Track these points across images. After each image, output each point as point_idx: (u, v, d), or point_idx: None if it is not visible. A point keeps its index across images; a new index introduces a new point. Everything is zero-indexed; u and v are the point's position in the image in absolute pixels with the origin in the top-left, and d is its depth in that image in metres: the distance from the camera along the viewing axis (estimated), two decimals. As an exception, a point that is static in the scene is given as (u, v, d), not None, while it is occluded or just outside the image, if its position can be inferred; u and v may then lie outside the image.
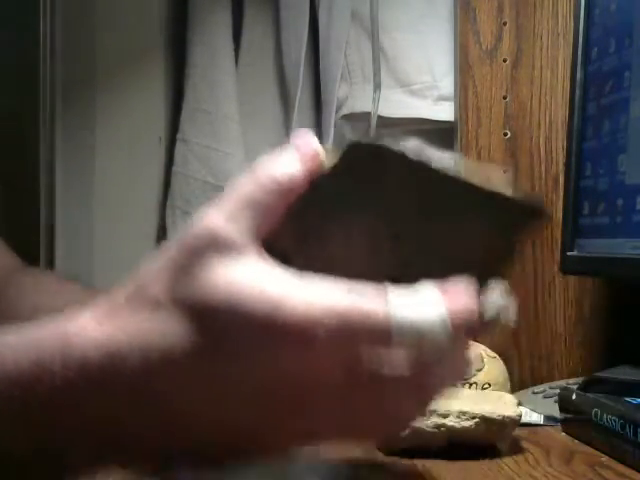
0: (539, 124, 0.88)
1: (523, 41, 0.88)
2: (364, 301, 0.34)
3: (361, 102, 0.94)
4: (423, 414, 0.37)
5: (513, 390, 0.75)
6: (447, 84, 0.92)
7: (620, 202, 0.69)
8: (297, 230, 0.36)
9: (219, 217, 0.35)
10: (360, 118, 0.94)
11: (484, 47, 0.89)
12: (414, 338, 0.34)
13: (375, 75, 0.92)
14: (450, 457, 0.55)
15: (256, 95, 0.99)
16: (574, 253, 0.76)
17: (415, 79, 0.92)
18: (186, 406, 0.34)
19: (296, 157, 0.36)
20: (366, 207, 0.36)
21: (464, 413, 0.54)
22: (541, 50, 0.88)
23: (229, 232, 0.35)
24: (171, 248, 0.35)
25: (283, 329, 0.33)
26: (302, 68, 0.95)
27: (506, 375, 0.72)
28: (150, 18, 0.98)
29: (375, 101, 0.91)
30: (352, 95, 0.95)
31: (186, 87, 0.97)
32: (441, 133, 0.93)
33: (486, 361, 0.69)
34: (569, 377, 0.84)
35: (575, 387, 0.63)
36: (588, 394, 0.61)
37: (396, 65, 0.93)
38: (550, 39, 0.88)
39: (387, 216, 0.36)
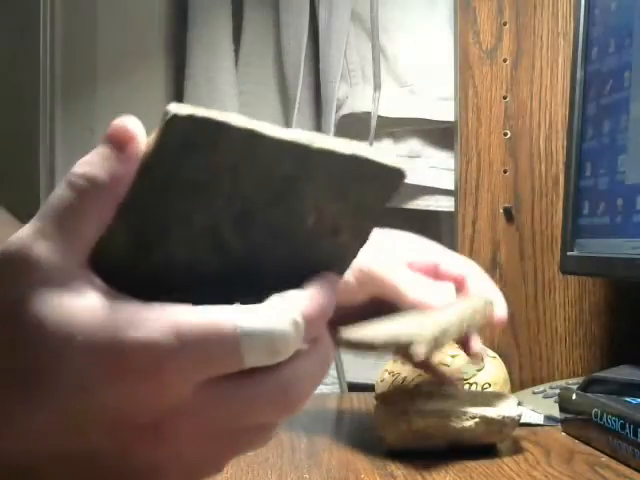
0: (539, 124, 0.88)
1: (523, 41, 0.88)
2: (208, 317, 0.31)
3: (361, 102, 0.94)
4: (291, 415, 0.33)
5: (513, 390, 0.75)
6: (447, 84, 0.92)
7: (620, 202, 0.69)
8: (134, 228, 0.32)
9: (30, 237, 0.31)
10: (360, 118, 0.94)
11: (484, 47, 0.89)
12: (265, 348, 0.32)
13: (375, 75, 0.92)
14: (450, 457, 0.55)
15: (256, 95, 0.99)
16: (574, 253, 0.76)
17: (415, 79, 0.93)
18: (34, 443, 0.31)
19: (108, 149, 0.31)
20: (202, 190, 0.31)
21: (464, 413, 0.54)
22: (541, 50, 0.88)
23: (42, 254, 0.30)
24: None
25: (125, 358, 0.30)
26: (302, 68, 0.95)
27: (506, 375, 0.72)
28: (150, 18, 0.98)
29: (375, 101, 0.91)
30: (352, 95, 0.95)
31: (186, 87, 0.97)
32: (441, 133, 0.93)
33: (486, 361, 0.69)
34: (569, 377, 0.84)
35: (575, 387, 0.63)
36: (588, 394, 0.61)
37: (396, 65, 0.93)
38: (550, 39, 0.88)
39: (228, 199, 0.32)
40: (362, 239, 0.35)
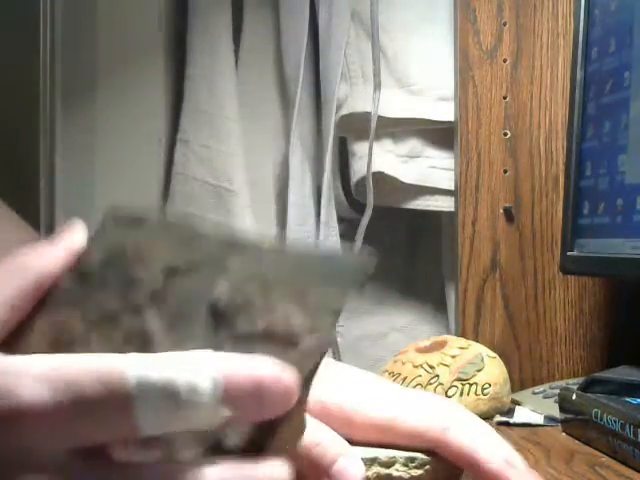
0: (539, 124, 0.88)
1: (523, 41, 0.88)
2: (97, 363, 0.28)
3: (361, 102, 0.94)
4: None
5: (513, 390, 0.75)
6: (447, 84, 0.91)
7: (620, 202, 0.69)
8: (50, 325, 0.31)
9: None
10: (360, 118, 0.93)
11: (484, 47, 0.89)
12: (165, 404, 0.27)
13: (375, 75, 0.92)
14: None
15: (256, 95, 0.99)
16: (574, 253, 0.76)
17: (415, 79, 0.92)
18: None
19: (52, 246, 0.32)
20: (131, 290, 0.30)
21: (412, 460, 0.43)
22: (541, 50, 0.88)
23: None
24: None
25: (11, 413, 0.27)
26: (302, 68, 0.95)
27: (506, 375, 0.72)
28: (151, 19, 0.98)
29: (375, 101, 0.91)
30: (352, 95, 0.95)
31: (186, 88, 0.97)
32: (441, 133, 0.93)
33: (486, 361, 0.69)
34: (569, 377, 0.84)
35: (575, 387, 0.63)
36: (588, 394, 0.61)
37: (396, 65, 0.93)
38: (550, 39, 0.88)
39: (161, 300, 0.30)
40: (322, 347, 0.30)
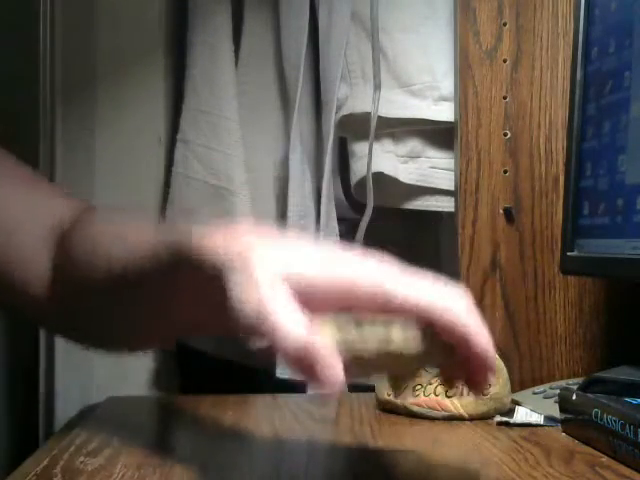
0: (539, 124, 0.88)
1: (523, 41, 0.88)
2: None
3: (361, 102, 0.94)
4: None
5: (513, 390, 0.75)
6: (447, 84, 0.92)
7: (620, 202, 0.69)
8: None
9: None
10: (360, 118, 0.93)
11: (484, 47, 0.89)
12: None
13: (375, 75, 0.92)
14: (450, 459, 0.55)
15: (256, 96, 0.99)
16: (574, 253, 0.76)
17: (415, 79, 0.92)
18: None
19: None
20: None
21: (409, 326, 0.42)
22: (541, 50, 0.88)
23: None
24: None
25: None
26: (302, 69, 0.95)
27: (506, 375, 0.72)
28: (150, 19, 0.98)
29: (375, 101, 0.91)
30: (352, 95, 0.95)
31: (186, 88, 0.97)
32: (441, 133, 0.93)
33: (486, 361, 0.69)
34: (569, 377, 0.84)
35: (575, 387, 0.63)
36: (588, 394, 0.61)
37: (396, 65, 0.93)
38: (550, 39, 0.88)
39: None
40: None
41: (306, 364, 0.38)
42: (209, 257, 0.45)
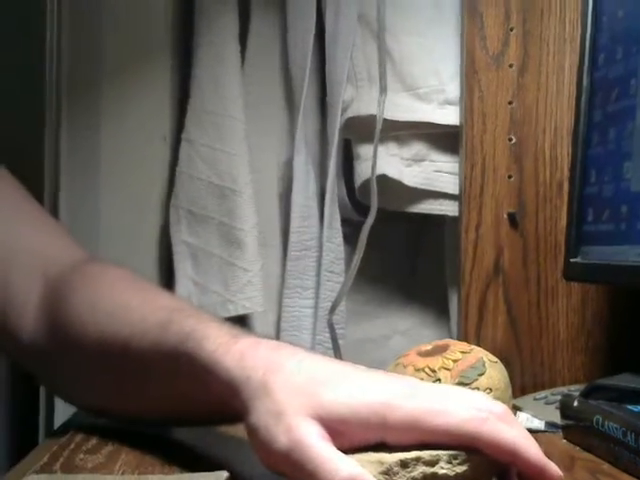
0: (544, 130, 0.88)
1: (530, 47, 0.88)
2: None
3: (367, 105, 0.94)
4: None
5: (514, 396, 0.75)
6: (453, 89, 0.92)
7: (625, 209, 0.68)
8: None
9: None
10: (365, 121, 0.93)
11: (491, 52, 0.89)
12: None
13: (381, 78, 0.92)
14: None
15: (261, 96, 0.99)
16: (578, 260, 0.76)
17: (421, 83, 0.92)
18: None
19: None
20: None
21: (455, 457, 0.42)
22: (548, 56, 0.88)
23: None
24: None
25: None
26: (308, 70, 0.95)
27: (508, 381, 0.71)
28: (156, 19, 0.98)
29: (381, 104, 0.91)
30: (358, 98, 0.95)
31: (191, 88, 0.97)
32: (446, 137, 0.93)
33: (487, 366, 0.69)
34: (571, 384, 0.84)
35: (577, 394, 0.63)
36: (590, 401, 0.61)
37: (402, 68, 0.93)
38: (557, 45, 0.88)
39: None
40: None
41: None
42: (224, 373, 0.44)
